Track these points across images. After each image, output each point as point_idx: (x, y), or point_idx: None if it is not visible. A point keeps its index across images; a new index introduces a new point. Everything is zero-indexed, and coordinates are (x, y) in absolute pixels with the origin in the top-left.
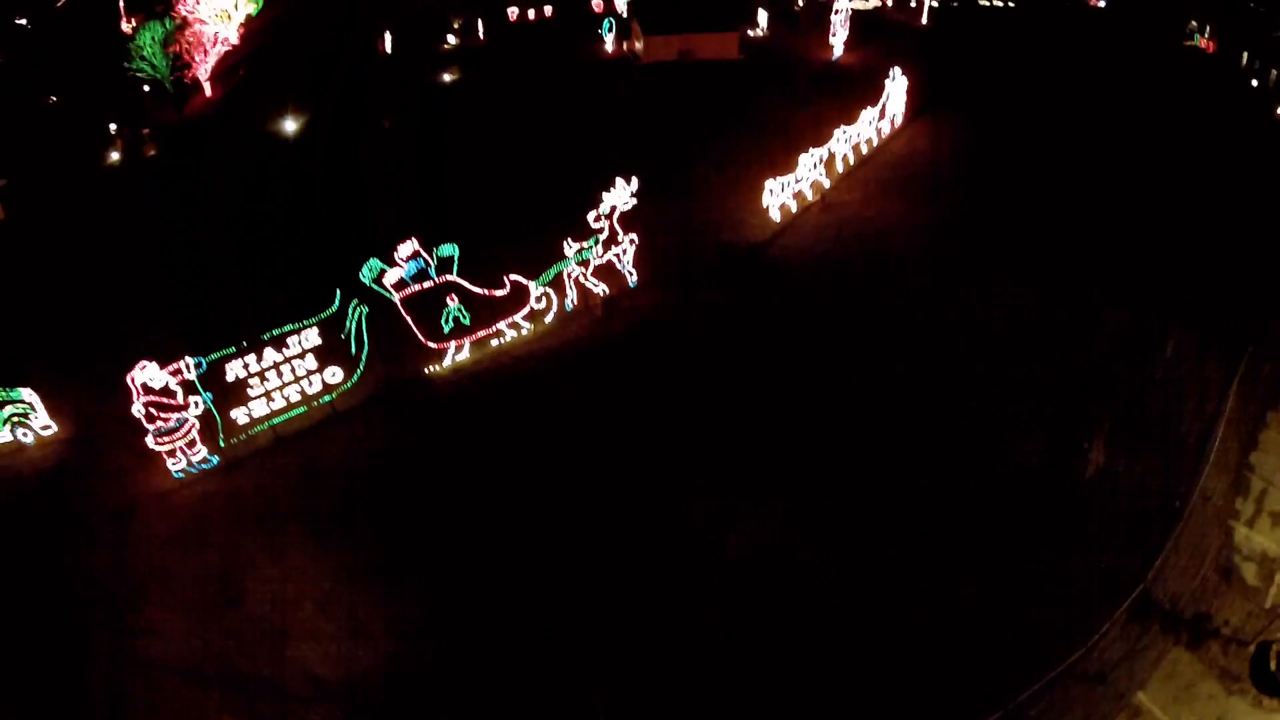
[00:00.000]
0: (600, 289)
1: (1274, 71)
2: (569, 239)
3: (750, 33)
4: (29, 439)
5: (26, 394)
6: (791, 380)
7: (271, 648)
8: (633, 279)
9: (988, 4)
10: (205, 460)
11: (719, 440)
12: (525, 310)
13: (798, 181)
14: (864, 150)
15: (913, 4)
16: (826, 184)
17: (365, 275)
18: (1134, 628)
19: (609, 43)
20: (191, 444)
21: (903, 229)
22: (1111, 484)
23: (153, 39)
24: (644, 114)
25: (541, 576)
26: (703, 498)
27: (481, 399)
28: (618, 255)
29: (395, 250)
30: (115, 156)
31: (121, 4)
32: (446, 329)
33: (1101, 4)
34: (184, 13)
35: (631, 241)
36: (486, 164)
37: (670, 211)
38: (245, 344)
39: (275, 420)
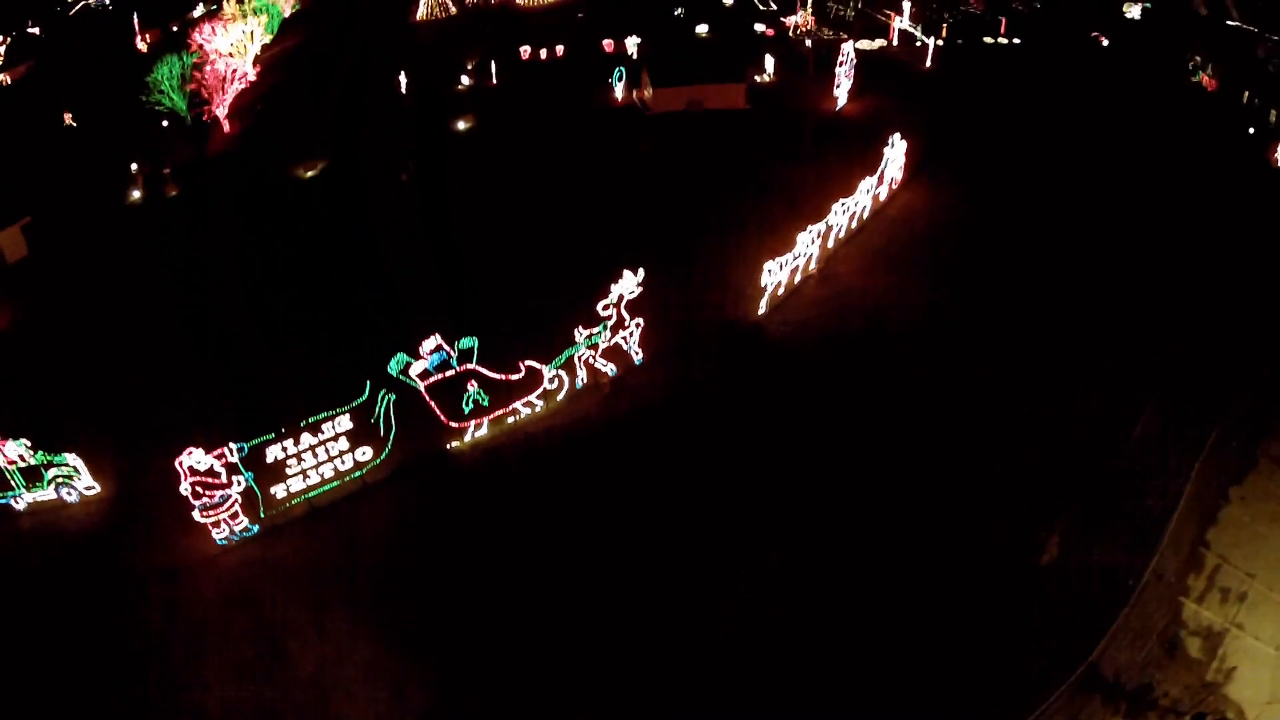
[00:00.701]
0: (608, 368)
1: (1274, 112)
2: (579, 327)
3: (757, 78)
4: (73, 497)
5: (71, 459)
6: (784, 456)
7: (316, 704)
8: (638, 357)
9: (992, 41)
10: (246, 529)
11: (715, 511)
12: (539, 390)
13: (795, 258)
14: (861, 217)
15: (918, 44)
16: (823, 255)
17: (393, 368)
18: (1080, 700)
19: (619, 91)
20: (234, 515)
21: (896, 303)
22: (1069, 564)
23: (170, 73)
24: (653, 169)
25: (558, 635)
26: (700, 564)
27: (500, 472)
28: (624, 338)
29: (420, 344)
30: (137, 195)
31: (136, 21)
32: (467, 410)
33: (1105, 42)
34: (200, 41)
35: (637, 325)
36: (501, 229)
37: (674, 286)
38: (284, 430)
39: (311, 494)
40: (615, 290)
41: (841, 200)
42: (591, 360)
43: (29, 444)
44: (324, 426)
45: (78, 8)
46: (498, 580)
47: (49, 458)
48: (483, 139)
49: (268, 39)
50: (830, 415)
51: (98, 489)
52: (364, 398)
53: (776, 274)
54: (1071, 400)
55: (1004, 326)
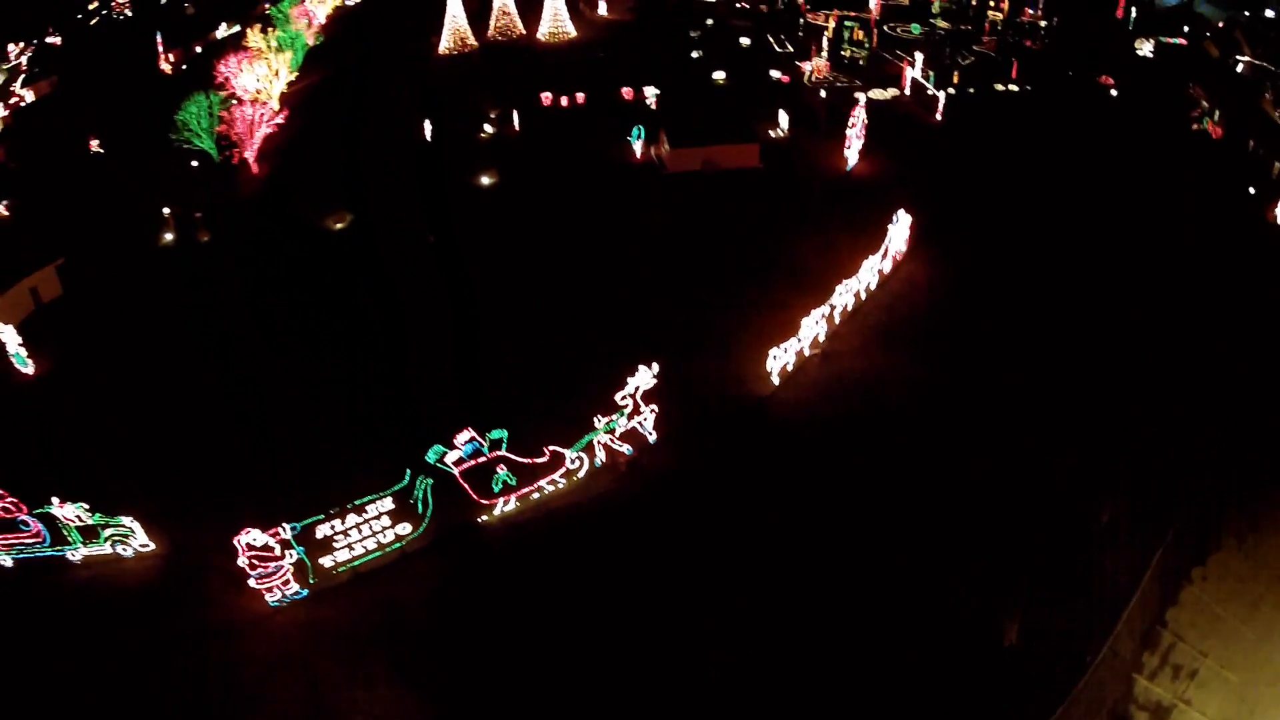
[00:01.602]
0: (625, 449)
1: (1278, 165)
2: (598, 415)
3: (771, 133)
4: (128, 553)
5: (128, 520)
6: (783, 534)
7: None
8: (652, 437)
9: (1003, 88)
10: (296, 593)
11: (717, 584)
12: (561, 470)
13: (799, 342)
14: (863, 295)
15: (929, 91)
16: (826, 332)
17: (430, 456)
18: None
19: (638, 148)
20: (286, 582)
21: (893, 382)
22: (1028, 643)
23: (199, 113)
24: (668, 235)
25: (576, 693)
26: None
27: (525, 543)
28: (639, 423)
29: (454, 435)
30: (169, 237)
31: (159, 41)
32: (496, 489)
33: (1113, 85)
34: (225, 74)
35: (652, 411)
36: (522, 300)
37: (684, 364)
38: (333, 511)
39: (355, 563)
40: (632, 383)
41: (845, 281)
42: (609, 443)
43: (87, 507)
44: (368, 507)
45: (98, 18)
46: (523, 642)
47: (106, 519)
48: (505, 197)
49: (293, 76)
50: (820, 496)
51: (153, 546)
52: (404, 483)
53: (781, 358)
54: (1045, 484)
55: (988, 409)
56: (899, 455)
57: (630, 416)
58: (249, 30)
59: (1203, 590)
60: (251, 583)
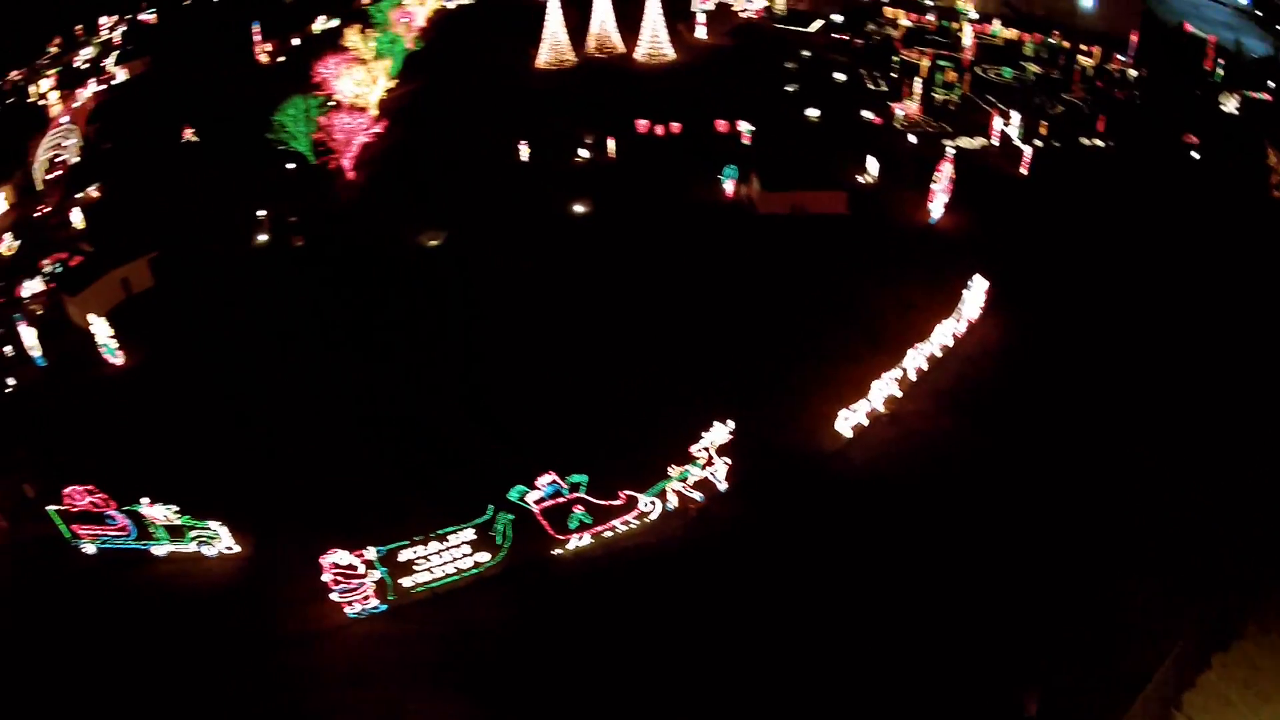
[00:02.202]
0: (696, 496)
1: None
2: (673, 465)
3: (860, 179)
4: (212, 553)
5: (215, 525)
6: (834, 591)
7: None
8: (722, 487)
9: (1089, 143)
10: (375, 608)
11: (772, 636)
12: (635, 513)
13: (869, 403)
14: (935, 357)
15: (1015, 142)
16: (896, 393)
17: (513, 495)
18: None
19: (729, 186)
20: (366, 598)
21: (958, 450)
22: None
23: (297, 115)
24: (753, 280)
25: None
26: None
27: (596, 577)
28: (711, 473)
29: (537, 478)
30: (263, 238)
31: (256, 32)
32: (572, 526)
33: (1195, 154)
34: (323, 75)
35: (725, 463)
36: (609, 338)
37: (757, 417)
38: (418, 538)
39: (433, 584)
40: (707, 437)
41: (918, 345)
42: (682, 490)
43: (176, 509)
44: (450, 537)
45: None
46: (585, 672)
47: (194, 523)
48: (597, 228)
49: (392, 84)
50: (872, 557)
51: (237, 549)
52: (487, 517)
53: (850, 418)
54: (1081, 558)
55: (1040, 482)
56: (951, 522)
57: (703, 467)
58: (347, 30)
59: (1220, 676)
60: (333, 596)
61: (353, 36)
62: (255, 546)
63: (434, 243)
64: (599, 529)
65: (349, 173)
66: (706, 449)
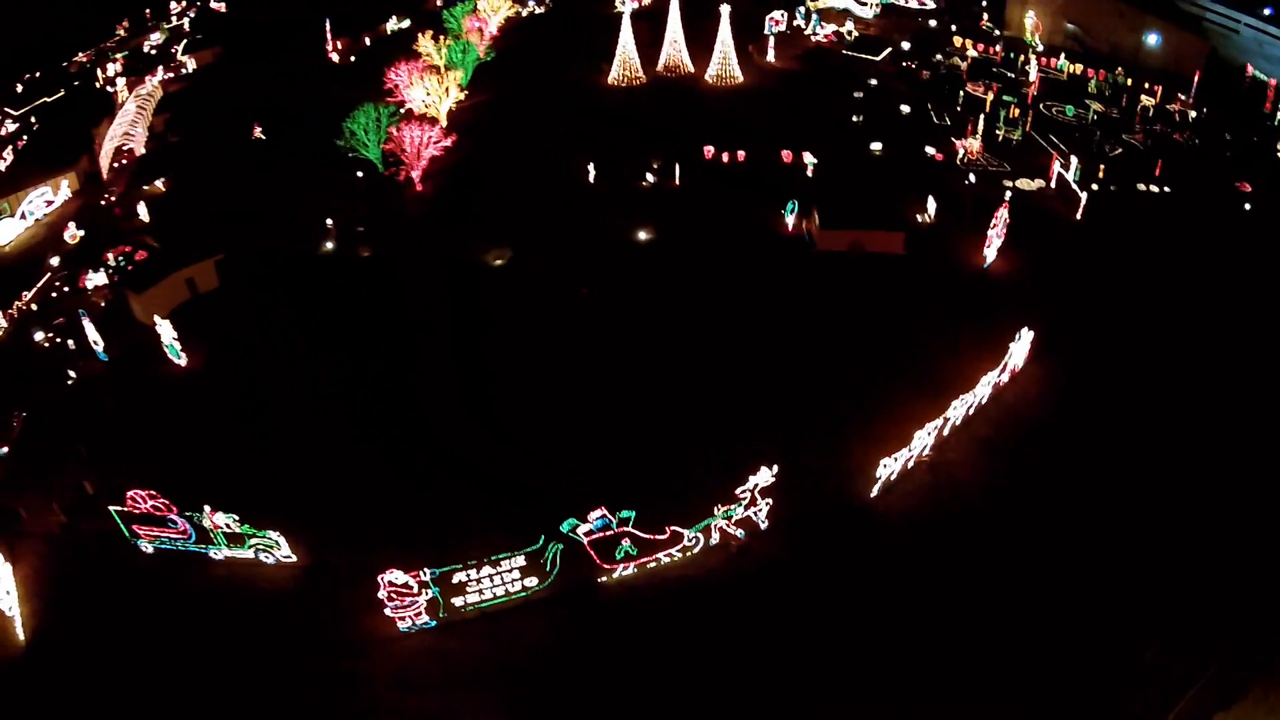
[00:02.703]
0: (738, 533)
1: None
2: (718, 505)
3: (919, 217)
4: (270, 560)
5: (274, 535)
6: (864, 629)
7: None
8: (764, 525)
9: (1144, 188)
10: (426, 623)
11: (803, 668)
12: (679, 546)
13: (910, 451)
14: (976, 407)
15: (1073, 186)
16: (935, 442)
17: (564, 527)
18: None
19: (790, 220)
20: (418, 614)
21: (992, 499)
22: None
23: (368, 123)
24: (808, 312)
25: None
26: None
27: (639, 605)
28: (754, 512)
29: (588, 513)
30: (329, 246)
31: (328, 28)
32: (618, 557)
33: (1248, 205)
34: (394, 80)
35: (767, 504)
36: (664, 371)
37: (801, 460)
38: (471, 562)
39: (483, 605)
40: (752, 480)
41: (961, 396)
42: (724, 527)
43: (237, 518)
44: (503, 563)
45: None
46: (623, 693)
47: (254, 531)
48: (659, 257)
49: (462, 96)
50: (903, 600)
51: (294, 559)
52: (537, 546)
53: (890, 466)
54: (1099, 617)
55: (1067, 536)
56: (979, 569)
57: (747, 507)
58: (420, 35)
59: None
60: (387, 611)
61: (425, 43)
62: (311, 555)
63: (499, 261)
64: (644, 559)
65: (418, 184)
66: (750, 490)
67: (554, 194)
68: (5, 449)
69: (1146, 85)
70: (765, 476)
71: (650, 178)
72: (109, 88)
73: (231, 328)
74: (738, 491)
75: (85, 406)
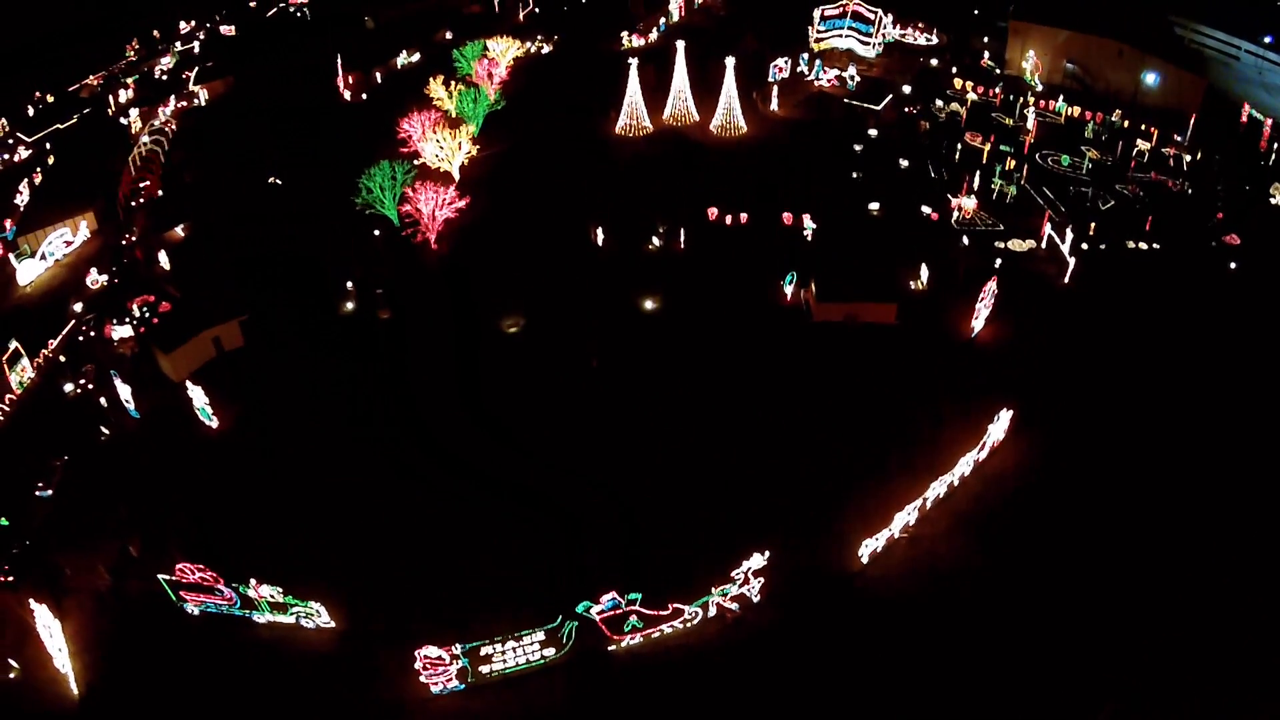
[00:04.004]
0: (733, 607)
1: None
2: (715, 585)
3: (911, 284)
4: (310, 625)
5: (315, 605)
6: (843, 693)
7: None
8: (756, 599)
9: (1134, 246)
10: (456, 686)
11: None
12: (680, 620)
13: (890, 531)
14: (956, 484)
15: (1063, 249)
16: (916, 518)
17: (579, 608)
18: None
19: (789, 290)
20: (449, 679)
21: (968, 572)
22: None
23: (384, 181)
24: (802, 384)
25: None
26: None
27: (645, 670)
28: (747, 590)
29: (600, 595)
30: (350, 306)
31: (339, 63)
32: (626, 629)
33: (1233, 264)
34: (407, 130)
35: (760, 582)
36: (667, 446)
37: (790, 540)
38: (499, 639)
39: (506, 670)
40: (746, 565)
41: (940, 477)
42: (721, 602)
43: (281, 590)
44: (525, 637)
45: (273, 10)
46: None
47: (297, 602)
48: (664, 328)
49: (474, 151)
50: (880, 668)
51: (334, 625)
52: (555, 624)
53: (872, 545)
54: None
55: (1040, 610)
56: (952, 638)
57: (740, 585)
58: (432, 80)
59: None
60: (422, 677)
61: (437, 88)
62: (349, 621)
63: (513, 329)
64: (649, 631)
65: (433, 244)
66: (744, 572)
67: (563, 257)
68: (49, 491)
69: (1143, 127)
70: (757, 561)
71: (656, 241)
72: (122, 118)
73: (258, 389)
74: (733, 574)
75: (120, 463)
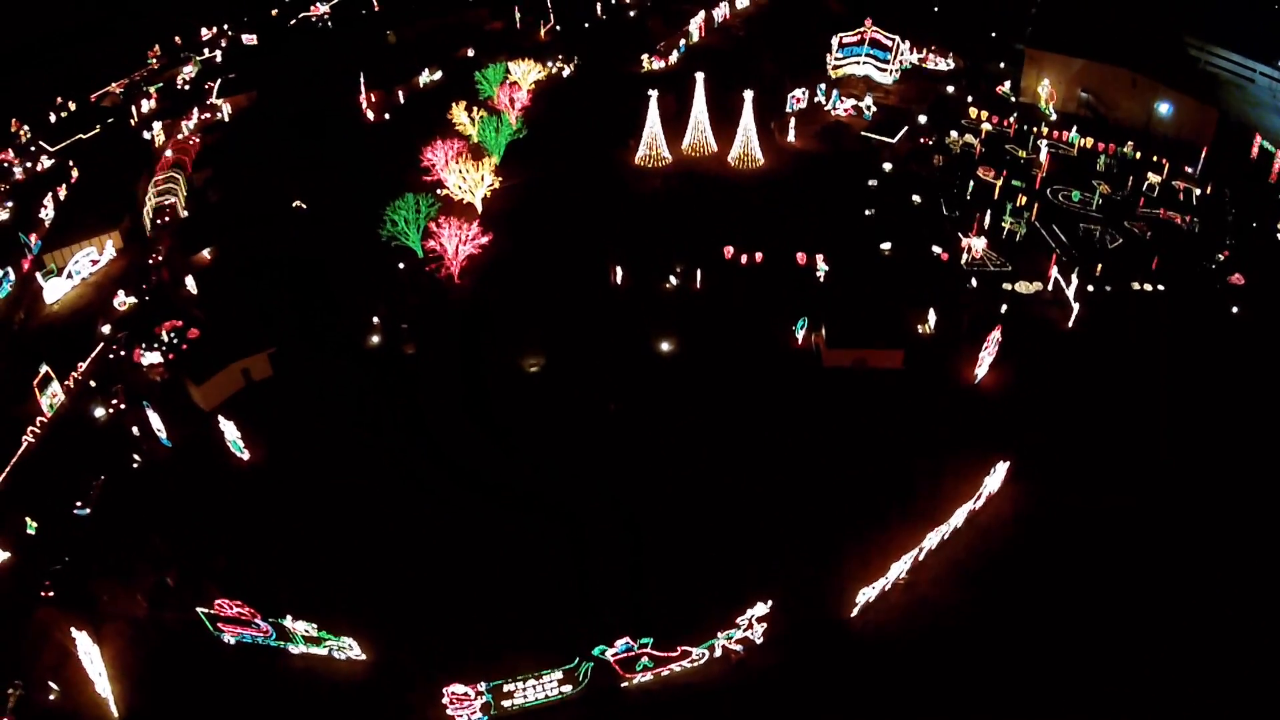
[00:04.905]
0: (737, 648)
1: None
2: (719, 630)
3: (920, 328)
4: (341, 656)
5: (347, 641)
6: None
7: None
8: (759, 642)
9: (1138, 287)
10: (480, 718)
11: None
12: (688, 660)
13: (886, 580)
14: (950, 533)
15: (1068, 293)
16: (910, 566)
17: (595, 651)
18: None
19: (800, 335)
20: (473, 713)
21: (963, 621)
22: None
23: (409, 214)
24: (810, 430)
25: None
26: None
27: (654, 703)
28: (749, 634)
29: (614, 640)
30: (375, 340)
31: (362, 82)
32: (638, 669)
33: (1235, 309)
34: (430, 160)
35: (763, 628)
36: (679, 492)
37: (792, 587)
38: (520, 678)
39: (526, 704)
40: (750, 613)
41: (936, 529)
42: (726, 644)
43: (316, 625)
44: (544, 676)
45: (296, 19)
46: None
47: (330, 636)
48: (680, 372)
49: (496, 184)
50: (883, 708)
51: (364, 658)
52: (572, 665)
53: (868, 594)
54: None
55: (1024, 666)
56: (944, 683)
57: (745, 630)
58: (454, 106)
59: None
60: (448, 710)
61: (459, 113)
62: (379, 653)
63: (534, 368)
64: (659, 670)
65: (456, 278)
66: (749, 619)
67: (583, 295)
68: (87, 510)
69: (1155, 158)
70: (760, 609)
71: (673, 280)
72: (145, 131)
73: (288, 421)
74: (738, 620)
75: (154, 491)
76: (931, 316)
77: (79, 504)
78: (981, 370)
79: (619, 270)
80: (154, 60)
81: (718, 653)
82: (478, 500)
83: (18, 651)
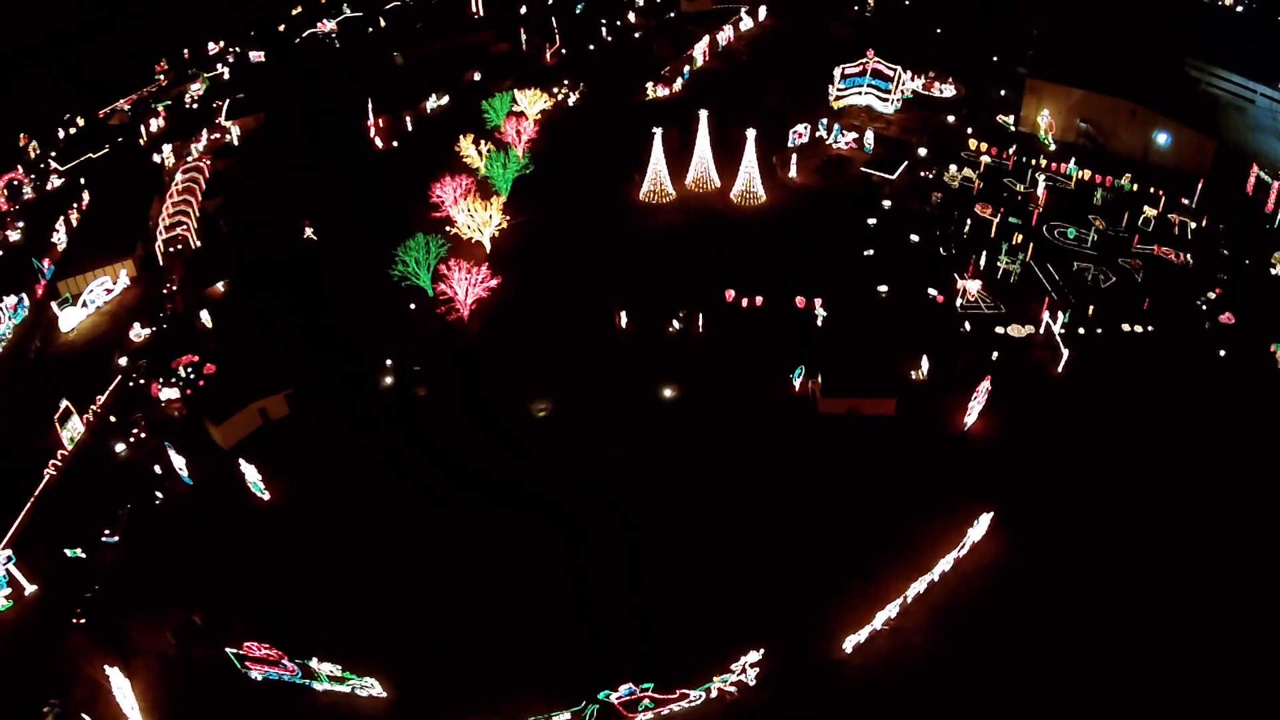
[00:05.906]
0: (731, 689)
1: None
2: (715, 674)
3: (913, 374)
4: (364, 694)
5: (370, 680)
6: None
7: None
8: (752, 683)
9: (1129, 328)
10: None
11: None
12: (686, 702)
13: (872, 626)
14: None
15: (1057, 338)
16: (896, 613)
17: (600, 695)
18: None
19: (796, 383)
20: None
21: (945, 670)
22: None
23: (420, 255)
24: (804, 476)
25: None
26: None
27: None
28: (743, 677)
29: (618, 684)
30: (388, 381)
31: (370, 107)
32: (640, 709)
33: (1223, 352)
34: (439, 196)
35: (756, 670)
36: (680, 539)
37: (783, 633)
38: (530, 718)
39: None
40: (744, 660)
41: (920, 578)
42: (721, 686)
43: (341, 667)
44: (554, 717)
45: (303, 35)
46: None
47: (354, 676)
48: (681, 418)
49: (504, 224)
50: None
51: (386, 695)
52: (579, 707)
53: (855, 638)
54: None
55: (1009, 705)
56: None
57: (738, 674)
58: (462, 139)
59: None
60: None
61: (467, 146)
62: (399, 691)
63: (542, 413)
64: (659, 710)
65: (465, 319)
66: (742, 664)
67: (589, 339)
68: (116, 538)
69: (1152, 190)
70: (753, 656)
71: (676, 324)
72: (155, 154)
73: (305, 460)
74: (733, 666)
75: (177, 529)
76: (924, 363)
77: (107, 531)
78: (970, 419)
79: (623, 315)
80: (161, 76)
81: (713, 694)
82: (488, 542)
83: (53, 672)
